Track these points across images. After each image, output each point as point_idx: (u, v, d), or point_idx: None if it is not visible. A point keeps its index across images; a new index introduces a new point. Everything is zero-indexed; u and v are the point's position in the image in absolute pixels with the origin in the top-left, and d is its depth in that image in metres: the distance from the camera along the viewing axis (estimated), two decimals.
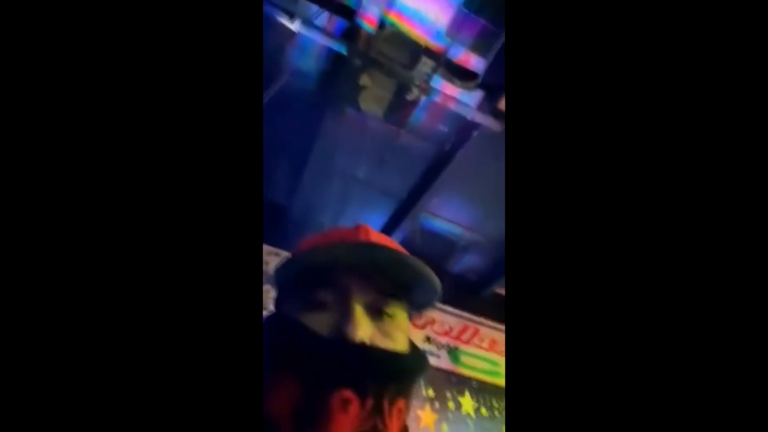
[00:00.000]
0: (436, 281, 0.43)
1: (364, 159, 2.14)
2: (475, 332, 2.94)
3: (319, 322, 0.40)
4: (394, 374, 0.38)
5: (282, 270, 0.44)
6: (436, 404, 2.55)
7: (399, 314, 0.43)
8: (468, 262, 2.72)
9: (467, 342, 2.89)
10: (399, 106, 2.11)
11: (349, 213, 2.47)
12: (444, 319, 2.88)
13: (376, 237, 0.46)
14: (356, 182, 2.28)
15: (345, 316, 0.39)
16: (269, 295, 0.50)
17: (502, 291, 2.89)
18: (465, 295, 2.76)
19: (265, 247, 2.27)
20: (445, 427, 2.53)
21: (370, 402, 0.36)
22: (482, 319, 2.98)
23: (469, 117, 2.00)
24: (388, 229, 2.46)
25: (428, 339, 2.72)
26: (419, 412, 2.50)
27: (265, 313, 0.45)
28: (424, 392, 2.52)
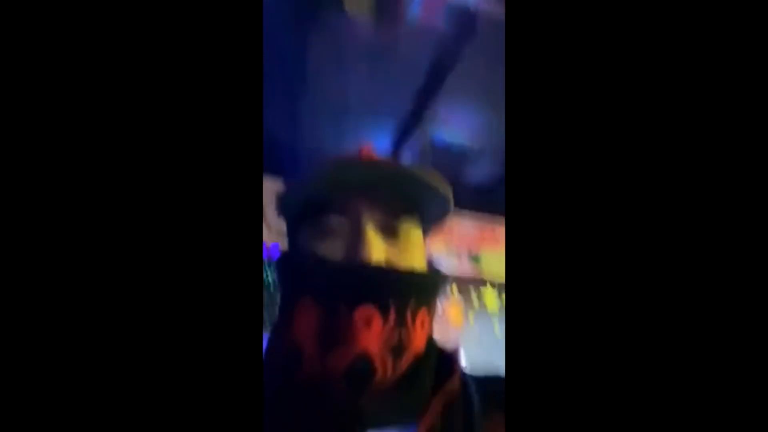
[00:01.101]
0: (447, 189, 0.42)
1: (361, 72, 1.95)
2: (492, 233, 3.03)
3: (332, 249, 0.39)
4: (413, 290, 0.38)
5: (285, 200, 0.43)
6: (462, 303, 2.75)
7: (413, 231, 0.42)
8: (482, 169, 2.66)
9: (485, 243, 2.99)
10: (388, 1, 1.83)
11: (352, 134, 2.35)
12: (461, 226, 2.95)
13: (378, 158, 0.44)
14: (355, 99, 2.11)
15: (357, 239, 0.38)
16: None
17: None
18: (481, 200, 2.76)
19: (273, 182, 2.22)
20: (471, 315, 2.76)
21: (392, 317, 0.36)
22: (498, 218, 3.04)
23: (471, 5, 1.73)
24: (396, 147, 2.36)
25: (447, 247, 2.81)
26: (445, 306, 2.71)
27: (280, 248, 0.46)
28: (449, 293, 2.70)
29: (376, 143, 2.41)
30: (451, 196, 0.43)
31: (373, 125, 2.28)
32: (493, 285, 2.81)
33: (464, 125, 2.28)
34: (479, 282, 2.85)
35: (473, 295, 2.80)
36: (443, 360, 0.42)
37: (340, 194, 0.40)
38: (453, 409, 0.39)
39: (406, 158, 2.42)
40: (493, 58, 1.86)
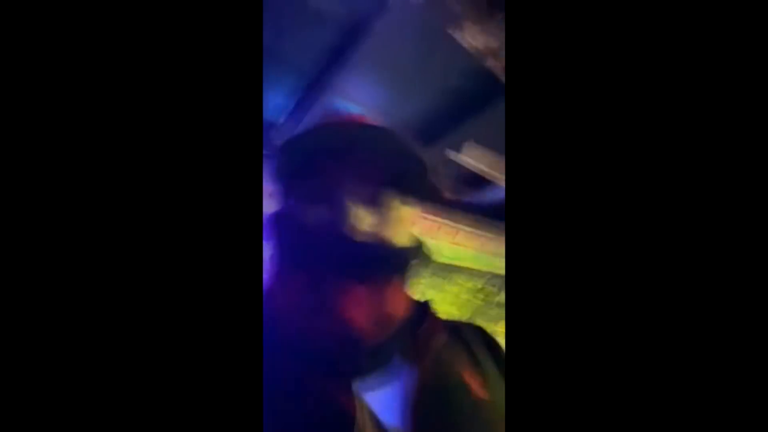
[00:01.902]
0: (421, 155, 0.46)
1: (268, 26, 1.77)
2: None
3: (318, 216, 0.41)
4: (397, 263, 0.42)
5: (277, 162, 0.46)
6: None
7: (395, 202, 0.45)
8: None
9: None
10: None
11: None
12: None
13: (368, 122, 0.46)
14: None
15: (342, 211, 0.41)
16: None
17: None
18: None
19: None
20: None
21: (377, 292, 0.40)
22: None
23: None
24: (295, 112, 2.25)
25: None
26: None
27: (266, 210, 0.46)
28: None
29: (276, 98, 2.25)
30: (426, 162, 0.46)
31: (274, 80, 2.13)
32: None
33: (363, 98, 2.32)
34: None
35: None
36: (421, 314, 0.48)
37: (326, 160, 0.41)
38: (453, 346, 0.44)
39: (304, 124, 2.33)
40: (399, 37, 1.92)
